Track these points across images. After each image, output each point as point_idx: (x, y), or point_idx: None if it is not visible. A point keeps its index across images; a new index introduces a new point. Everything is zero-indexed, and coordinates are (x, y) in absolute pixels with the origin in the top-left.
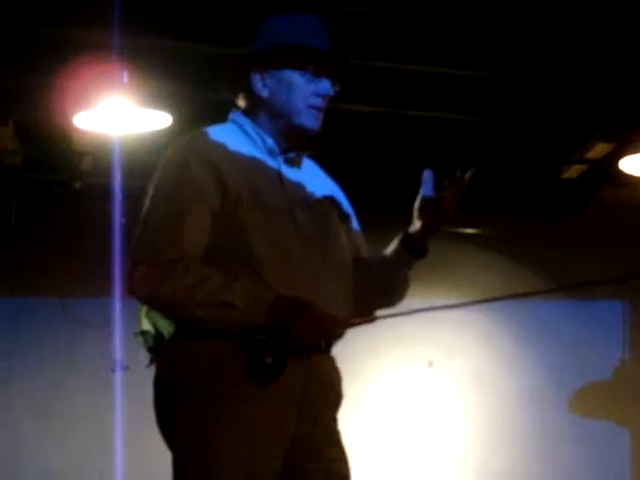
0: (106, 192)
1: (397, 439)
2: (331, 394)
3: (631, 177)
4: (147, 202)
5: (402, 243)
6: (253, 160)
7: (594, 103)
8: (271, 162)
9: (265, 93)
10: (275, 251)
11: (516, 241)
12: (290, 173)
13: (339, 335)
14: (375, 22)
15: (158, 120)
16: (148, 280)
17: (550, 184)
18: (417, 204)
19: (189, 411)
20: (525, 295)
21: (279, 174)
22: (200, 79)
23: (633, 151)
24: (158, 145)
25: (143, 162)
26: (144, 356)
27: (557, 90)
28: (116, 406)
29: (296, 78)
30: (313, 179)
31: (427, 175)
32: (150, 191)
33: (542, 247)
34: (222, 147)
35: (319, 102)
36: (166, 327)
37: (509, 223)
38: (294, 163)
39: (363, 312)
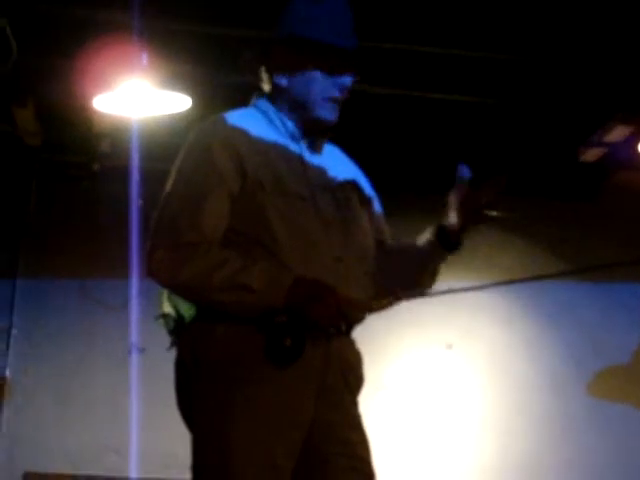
0: (124, 174)
1: (416, 422)
2: (352, 378)
3: None
4: (168, 185)
5: (435, 235)
6: (274, 145)
7: (613, 85)
8: (293, 147)
9: (284, 82)
10: (295, 234)
11: (534, 224)
12: (312, 158)
13: (360, 319)
14: (392, 3)
15: (177, 102)
16: (167, 263)
17: (568, 167)
18: (450, 197)
19: (208, 394)
20: (542, 277)
21: (301, 158)
22: (219, 61)
23: None
24: (177, 127)
25: (162, 144)
26: (161, 338)
27: (575, 72)
28: (132, 388)
29: (316, 73)
30: (335, 163)
31: (462, 170)
32: (172, 175)
33: (560, 230)
34: (243, 132)
35: (337, 94)
36: (187, 310)
37: (527, 205)
38: (316, 148)
39: (384, 296)
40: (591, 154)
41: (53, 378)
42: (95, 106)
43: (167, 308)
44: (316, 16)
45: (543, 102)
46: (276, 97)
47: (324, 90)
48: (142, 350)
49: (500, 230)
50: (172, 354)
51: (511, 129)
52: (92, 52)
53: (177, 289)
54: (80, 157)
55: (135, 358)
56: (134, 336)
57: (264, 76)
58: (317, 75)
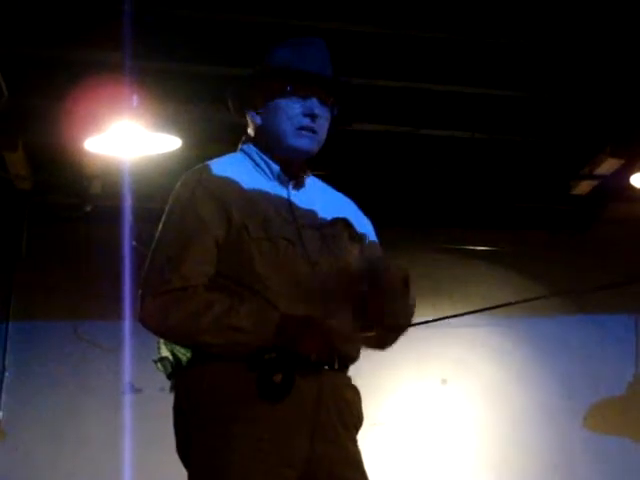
0: (116, 215)
1: (412, 457)
2: (347, 414)
3: None
4: (156, 234)
5: None
6: (260, 189)
7: (602, 118)
8: (279, 189)
9: (259, 121)
10: (283, 277)
11: (527, 257)
12: (299, 198)
13: (352, 356)
14: (382, 41)
15: (168, 143)
16: (155, 310)
17: (561, 200)
18: None
19: (204, 435)
20: (522, 302)
21: (288, 200)
22: (209, 102)
23: None
24: (168, 168)
25: (153, 185)
26: (154, 379)
27: (565, 106)
28: (126, 428)
29: (282, 102)
30: (325, 201)
31: None
32: (160, 224)
33: (554, 263)
34: (228, 179)
35: (307, 121)
36: (184, 353)
37: (521, 239)
38: (301, 186)
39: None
40: (582, 187)
41: (46, 420)
42: (86, 148)
43: (164, 352)
44: (286, 52)
45: (534, 136)
46: (259, 138)
47: (293, 118)
48: (138, 390)
49: (494, 264)
50: (165, 394)
51: (504, 163)
52: (82, 94)
53: (166, 334)
54: (71, 199)
55: (129, 398)
56: (128, 376)
57: (248, 119)
58: (284, 103)
